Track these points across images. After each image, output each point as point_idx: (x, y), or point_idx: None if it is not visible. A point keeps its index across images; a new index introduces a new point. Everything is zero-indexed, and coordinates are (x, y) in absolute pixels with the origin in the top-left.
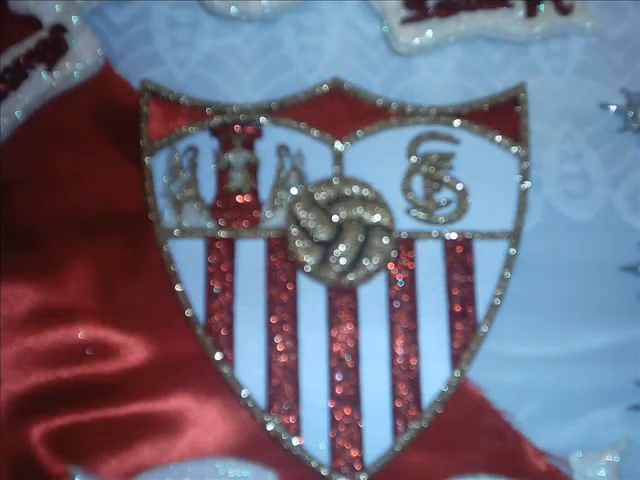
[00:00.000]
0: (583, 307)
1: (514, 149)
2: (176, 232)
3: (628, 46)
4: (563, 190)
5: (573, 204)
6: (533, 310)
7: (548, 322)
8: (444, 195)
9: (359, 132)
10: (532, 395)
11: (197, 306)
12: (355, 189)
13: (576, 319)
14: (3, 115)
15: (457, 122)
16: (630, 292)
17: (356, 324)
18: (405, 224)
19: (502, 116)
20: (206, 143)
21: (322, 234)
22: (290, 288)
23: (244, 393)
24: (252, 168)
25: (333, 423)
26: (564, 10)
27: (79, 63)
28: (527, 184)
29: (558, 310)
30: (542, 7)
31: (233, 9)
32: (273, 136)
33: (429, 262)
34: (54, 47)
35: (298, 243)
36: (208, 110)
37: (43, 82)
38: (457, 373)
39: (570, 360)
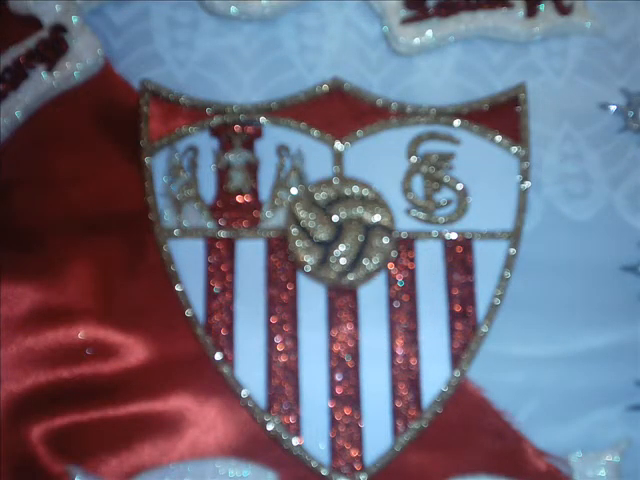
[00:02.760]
0: (583, 307)
1: (514, 149)
2: (176, 232)
3: (628, 46)
4: (563, 190)
5: (573, 204)
6: (533, 310)
7: (548, 322)
8: (444, 195)
9: (359, 132)
10: (532, 395)
11: (197, 306)
12: (355, 189)
13: (576, 319)
14: (3, 115)
15: (457, 122)
16: (630, 292)
17: (356, 324)
18: (405, 224)
19: (502, 116)
20: (206, 143)
21: (322, 234)
22: (290, 288)
23: (244, 393)
24: (252, 168)
25: (333, 423)
26: (564, 10)
27: (79, 63)
28: (527, 184)
29: (558, 310)
30: (542, 7)
31: (233, 9)
32: (273, 136)
33: (429, 262)
34: (54, 47)
35: (298, 243)
36: (208, 110)
37: (43, 82)
38: (457, 373)
39: (570, 360)
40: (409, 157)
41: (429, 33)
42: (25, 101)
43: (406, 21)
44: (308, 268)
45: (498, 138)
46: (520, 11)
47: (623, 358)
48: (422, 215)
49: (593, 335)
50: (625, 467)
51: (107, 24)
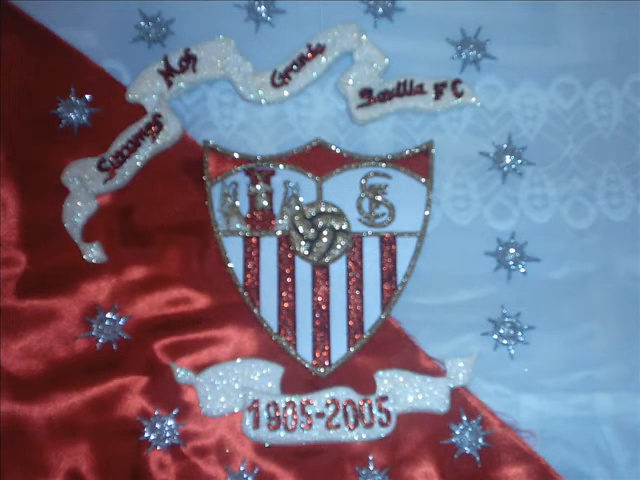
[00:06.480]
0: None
1: (423, 180)
2: (226, 233)
3: (499, 114)
4: (453, 205)
5: (458, 214)
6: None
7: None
8: (381, 210)
9: (332, 172)
10: (428, 325)
11: (239, 275)
12: (329, 208)
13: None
14: (128, 167)
15: (390, 165)
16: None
17: (328, 286)
18: (357, 228)
19: (418, 160)
20: (242, 179)
21: (310, 235)
22: (291, 266)
23: (265, 325)
24: (269, 194)
25: (314, 342)
26: (458, 94)
27: (169, 137)
28: (430, 201)
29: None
30: (444, 93)
31: (254, 95)
32: (281, 175)
33: (371, 250)
34: (155, 127)
35: (297, 240)
36: (242, 159)
37: (149, 147)
38: (383, 315)
39: (451, 306)
40: (361, 187)
41: (374, 111)
42: (140, 158)
43: (360, 106)
44: (302, 254)
45: (414, 174)
46: (432, 95)
47: (482, 306)
48: (367, 222)
49: (468, 289)
50: (477, 367)
51: (182, 105)
